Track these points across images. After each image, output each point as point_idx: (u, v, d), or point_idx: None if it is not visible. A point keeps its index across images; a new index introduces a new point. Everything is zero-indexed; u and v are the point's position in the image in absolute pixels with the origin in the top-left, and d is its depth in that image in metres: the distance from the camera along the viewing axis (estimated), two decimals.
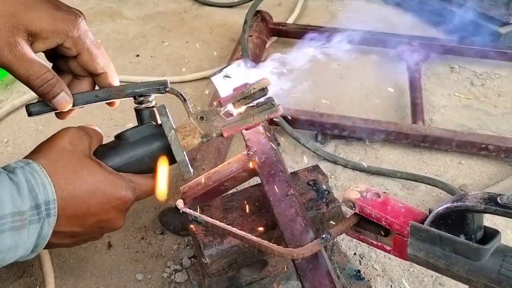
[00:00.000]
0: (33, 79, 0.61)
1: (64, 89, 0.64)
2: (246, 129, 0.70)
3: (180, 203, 0.76)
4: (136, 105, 0.71)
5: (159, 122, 0.69)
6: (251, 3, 1.74)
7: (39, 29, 0.61)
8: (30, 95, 1.49)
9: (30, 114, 0.67)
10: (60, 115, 0.69)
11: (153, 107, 0.71)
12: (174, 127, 0.67)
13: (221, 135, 0.68)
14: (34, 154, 0.62)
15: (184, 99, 0.70)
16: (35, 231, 0.56)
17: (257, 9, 1.71)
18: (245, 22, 1.58)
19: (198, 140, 0.68)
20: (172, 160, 0.68)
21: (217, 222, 0.71)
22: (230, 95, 0.68)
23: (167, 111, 0.68)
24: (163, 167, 0.69)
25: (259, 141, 0.75)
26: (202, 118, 0.68)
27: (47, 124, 1.38)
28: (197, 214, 0.74)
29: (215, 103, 0.69)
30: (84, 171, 0.61)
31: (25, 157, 0.61)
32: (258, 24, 1.69)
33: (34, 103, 0.68)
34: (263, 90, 0.69)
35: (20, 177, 0.55)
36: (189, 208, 0.76)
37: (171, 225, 1.06)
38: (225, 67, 0.73)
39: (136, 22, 2.04)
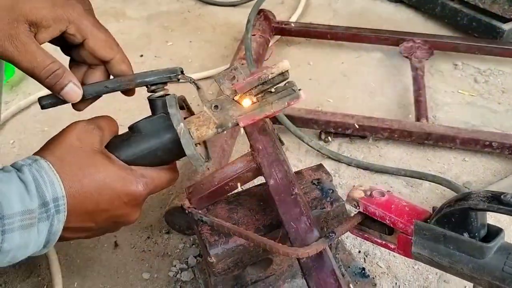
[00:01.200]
0: (38, 71, 0.60)
1: (72, 80, 0.63)
2: (263, 117, 0.66)
3: (186, 203, 0.77)
4: (149, 94, 0.69)
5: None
6: (253, 2, 1.75)
7: (39, 17, 0.59)
8: (35, 96, 1.50)
9: (42, 107, 0.67)
10: (76, 106, 0.68)
11: (166, 95, 0.68)
12: (185, 119, 0.65)
13: (237, 124, 0.65)
14: (42, 151, 0.61)
15: (198, 87, 0.67)
16: (45, 229, 0.55)
17: (260, 8, 1.72)
18: (248, 21, 1.58)
19: (212, 130, 0.65)
20: (184, 153, 0.66)
21: (223, 222, 0.72)
22: (246, 81, 0.63)
23: (177, 102, 0.66)
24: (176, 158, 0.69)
25: (264, 141, 0.75)
26: (216, 107, 0.64)
27: (53, 125, 1.39)
28: (202, 213, 0.75)
29: (229, 91, 0.64)
30: (91, 168, 0.60)
31: (34, 154, 0.60)
32: (261, 23, 1.69)
33: (45, 96, 0.66)
34: (283, 75, 0.63)
35: (27, 175, 0.54)
36: (195, 208, 0.77)
37: (176, 224, 1.07)
38: (229, 68, 0.72)
39: (139, 22, 2.05)
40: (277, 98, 0.64)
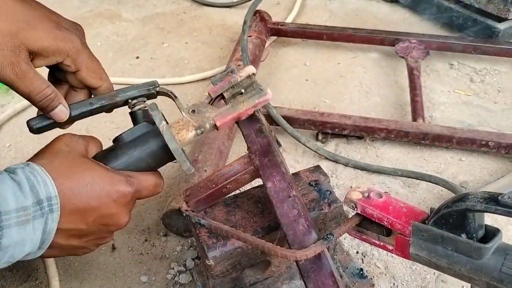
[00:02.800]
0: (34, 95, 0.65)
1: (62, 102, 0.68)
2: (238, 117, 0.70)
3: (183, 206, 0.77)
4: (131, 109, 0.74)
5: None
6: (249, 3, 1.75)
7: (40, 48, 0.63)
8: None
9: (32, 129, 0.70)
10: (61, 125, 0.73)
11: (146, 108, 0.73)
12: (167, 121, 0.69)
13: (215, 125, 0.69)
14: (33, 158, 0.65)
15: (175, 96, 0.72)
16: (40, 226, 0.57)
17: (256, 9, 1.72)
18: (245, 23, 1.58)
19: (192, 132, 0.68)
20: (170, 155, 0.69)
21: (221, 225, 0.72)
22: (218, 86, 0.70)
23: (158, 107, 0.70)
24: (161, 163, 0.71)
25: (261, 143, 0.75)
26: (193, 111, 0.69)
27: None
28: (200, 216, 0.75)
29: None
30: (80, 167, 0.63)
31: (26, 161, 0.63)
32: (257, 24, 1.69)
33: (34, 117, 0.71)
34: (250, 78, 0.70)
35: (21, 175, 0.56)
36: (192, 211, 0.77)
37: (174, 226, 1.07)
38: (226, 71, 0.73)
39: (135, 24, 2.04)
40: (247, 98, 0.70)
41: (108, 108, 0.74)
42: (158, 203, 1.18)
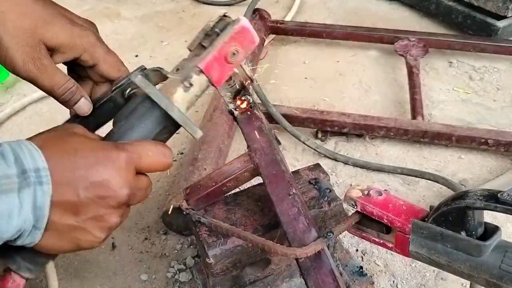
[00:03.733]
0: (56, 88, 0.66)
1: (83, 95, 0.69)
2: (220, 53, 0.64)
3: (183, 204, 0.77)
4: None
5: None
6: (248, 1, 1.75)
7: (58, 44, 0.65)
8: (30, 98, 1.49)
9: None
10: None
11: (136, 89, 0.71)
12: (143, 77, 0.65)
13: (200, 70, 0.63)
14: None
15: (161, 68, 0.69)
16: (28, 198, 0.53)
17: (255, 7, 1.72)
18: None
19: (180, 87, 0.64)
20: (165, 117, 0.63)
21: (221, 223, 0.72)
22: (195, 38, 0.66)
23: (142, 72, 0.67)
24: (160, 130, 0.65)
25: (261, 141, 0.75)
26: (178, 69, 0.66)
27: (48, 127, 1.38)
28: (200, 214, 0.75)
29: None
30: (70, 137, 0.61)
31: None
32: (257, 22, 1.69)
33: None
34: (223, 19, 0.66)
35: (5, 146, 0.54)
36: (192, 209, 0.77)
37: (174, 225, 1.07)
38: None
39: (134, 22, 2.04)
40: (223, 33, 0.65)
41: (111, 108, 0.73)
42: (158, 202, 1.18)
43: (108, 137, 0.66)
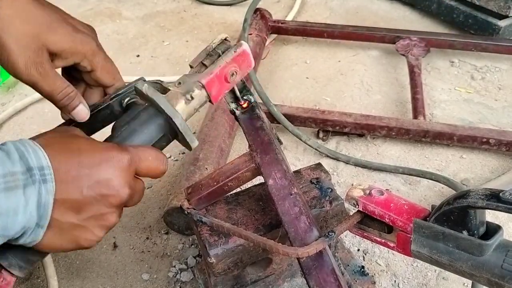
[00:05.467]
0: (56, 94, 0.67)
1: (82, 102, 0.70)
2: (221, 71, 0.68)
3: (185, 204, 0.77)
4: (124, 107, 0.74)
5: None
6: (249, 1, 1.75)
7: (60, 50, 0.66)
8: (32, 98, 1.50)
9: None
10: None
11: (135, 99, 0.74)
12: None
13: (202, 86, 0.66)
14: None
15: (161, 81, 0.71)
16: (33, 196, 0.54)
17: (256, 7, 1.72)
18: (245, 21, 1.58)
19: (181, 100, 0.66)
20: (166, 124, 0.65)
21: (222, 222, 0.72)
22: (197, 57, 0.70)
23: (145, 81, 0.70)
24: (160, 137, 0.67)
25: (262, 140, 0.75)
26: (180, 83, 0.68)
27: (50, 127, 1.37)
28: (202, 214, 0.75)
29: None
30: (73, 138, 0.62)
31: None
32: (258, 22, 1.69)
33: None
34: (224, 42, 0.70)
35: (10, 145, 0.55)
36: (194, 209, 0.77)
37: (175, 224, 1.07)
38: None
39: (135, 22, 2.04)
40: (225, 54, 0.69)
41: (107, 115, 0.75)
42: (159, 201, 1.18)
43: (109, 140, 0.68)
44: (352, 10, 2.10)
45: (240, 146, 1.35)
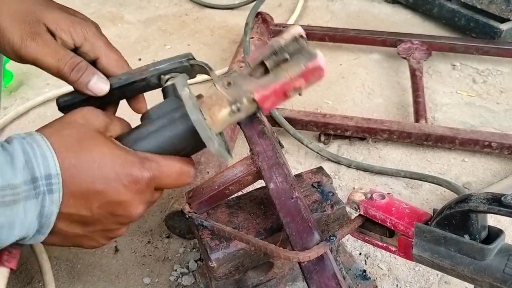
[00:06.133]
0: (62, 64, 0.60)
1: (96, 73, 0.63)
2: (283, 89, 0.57)
3: (186, 208, 0.77)
4: (163, 85, 0.66)
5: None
6: (251, 4, 1.75)
7: (58, 28, 0.61)
8: (34, 102, 1.50)
9: (58, 107, 0.65)
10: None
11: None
12: (189, 89, 0.59)
13: (253, 99, 0.57)
14: (41, 128, 0.56)
15: (210, 68, 0.64)
16: (33, 208, 0.49)
17: (258, 10, 1.72)
18: (247, 24, 1.58)
19: (226, 109, 0.57)
20: (198, 136, 0.55)
21: (224, 227, 0.72)
22: (259, 52, 0.58)
23: (186, 80, 0.62)
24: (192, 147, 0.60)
25: (263, 144, 0.75)
26: (229, 83, 0.58)
27: None
28: (203, 218, 0.75)
29: (243, 65, 0.61)
30: (90, 141, 0.54)
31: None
32: (259, 26, 1.70)
33: (65, 94, 0.65)
34: (296, 41, 0.58)
35: (16, 147, 0.49)
36: (195, 212, 0.77)
37: (177, 228, 1.07)
38: (228, 73, 0.72)
39: (137, 26, 2.05)
40: (292, 64, 0.57)
41: (141, 87, 0.67)
42: (160, 205, 1.18)
43: (131, 136, 0.60)
44: (353, 14, 2.10)
45: (241, 149, 1.35)
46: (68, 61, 0.60)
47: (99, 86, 0.63)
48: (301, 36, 0.58)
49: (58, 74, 0.61)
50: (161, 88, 0.66)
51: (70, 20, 0.63)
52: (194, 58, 0.66)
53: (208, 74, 0.64)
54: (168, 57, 0.66)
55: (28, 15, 0.59)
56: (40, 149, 0.50)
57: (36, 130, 0.55)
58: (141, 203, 0.58)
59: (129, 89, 0.67)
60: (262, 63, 0.59)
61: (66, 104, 0.65)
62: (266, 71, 0.58)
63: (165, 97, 0.65)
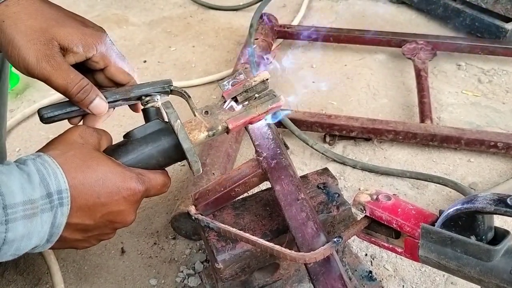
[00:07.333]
0: (71, 87, 0.65)
1: (98, 95, 0.68)
2: (251, 121, 0.71)
3: (192, 210, 0.77)
4: (143, 106, 0.73)
5: (166, 119, 0.70)
6: (255, 6, 1.76)
7: (70, 43, 0.65)
8: (40, 104, 1.50)
9: (41, 118, 0.68)
10: (71, 121, 0.72)
11: (158, 106, 0.73)
12: (180, 120, 0.68)
13: (227, 128, 0.69)
14: (45, 148, 0.63)
15: (188, 96, 0.72)
16: (48, 220, 0.56)
17: (262, 11, 1.72)
18: (251, 26, 1.58)
19: (204, 133, 0.68)
20: (180, 155, 0.68)
21: (230, 228, 0.72)
22: (232, 89, 0.70)
23: (172, 105, 0.69)
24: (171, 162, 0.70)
25: (269, 145, 0.75)
26: (207, 112, 0.70)
27: (58, 132, 1.39)
28: (209, 220, 0.75)
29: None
30: (93, 161, 0.62)
31: (37, 151, 0.62)
32: (264, 27, 1.70)
33: (46, 106, 0.69)
34: (264, 83, 0.70)
35: (31, 167, 0.56)
36: (201, 214, 0.77)
37: (183, 229, 1.07)
38: (233, 75, 0.74)
39: (142, 28, 2.06)
40: (260, 103, 0.71)
41: (122, 103, 0.74)
42: (166, 206, 1.18)
43: (121, 152, 0.68)
44: (358, 14, 2.10)
45: (247, 151, 1.35)
46: (77, 83, 0.65)
47: (100, 107, 0.69)
48: (267, 79, 0.71)
49: (65, 93, 0.66)
50: (142, 108, 0.74)
51: (82, 33, 0.67)
52: (173, 85, 0.74)
53: (188, 101, 0.72)
54: (151, 81, 0.73)
55: (42, 34, 0.63)
56: (51, 168, 0.57)
57: (40, 150, 0.62)
58: (134, 211, 0.67)
59: (113, 105, 0.73)
60: (236, 98, 0.71)
61: (49, 117, 0.69)
62: (236, 102, 0.72)
63: (145, 116, 0.73)
